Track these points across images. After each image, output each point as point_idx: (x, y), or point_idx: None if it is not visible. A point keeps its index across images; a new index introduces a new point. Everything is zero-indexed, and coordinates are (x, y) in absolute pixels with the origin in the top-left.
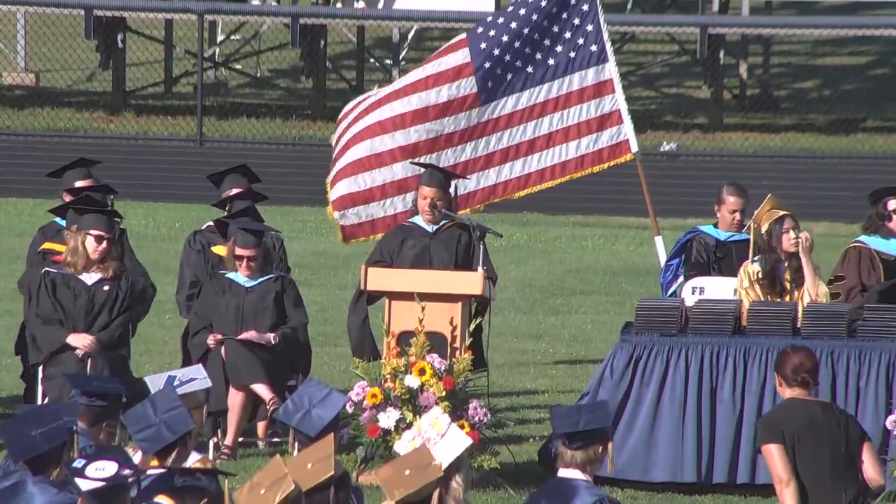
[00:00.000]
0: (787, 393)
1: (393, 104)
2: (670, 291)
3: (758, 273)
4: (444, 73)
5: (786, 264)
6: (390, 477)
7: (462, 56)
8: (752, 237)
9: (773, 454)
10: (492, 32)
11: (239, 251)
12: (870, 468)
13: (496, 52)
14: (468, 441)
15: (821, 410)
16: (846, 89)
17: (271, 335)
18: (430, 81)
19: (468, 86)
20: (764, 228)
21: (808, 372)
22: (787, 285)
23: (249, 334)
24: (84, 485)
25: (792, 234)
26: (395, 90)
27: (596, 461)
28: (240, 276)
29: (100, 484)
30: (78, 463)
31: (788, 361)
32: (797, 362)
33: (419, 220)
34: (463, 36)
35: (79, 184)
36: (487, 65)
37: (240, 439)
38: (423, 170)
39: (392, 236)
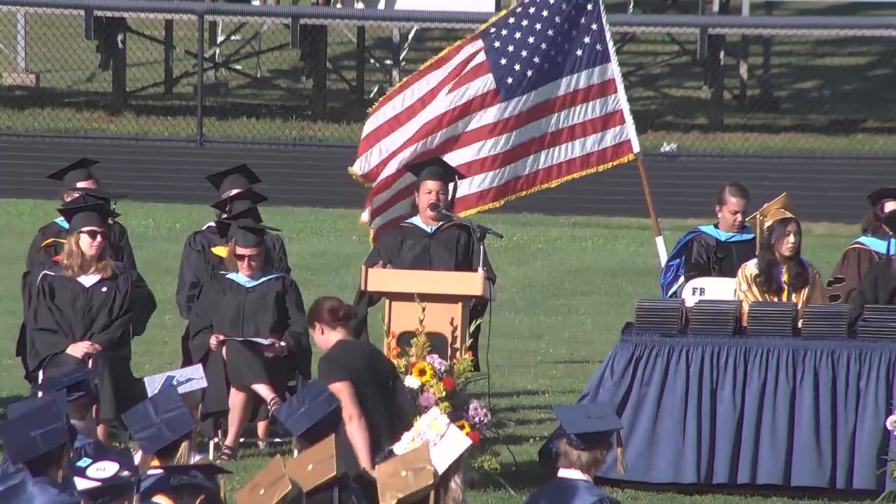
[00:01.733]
0: (331, 336)
1: (420, 115)
2: (671, 292)
3: (755, 274)
4: (463, 75)
5: (783, 266)
6: (387, 478)
7: (478, 56)
8: (757, 229)
9: (344, 391)
10: (504, 31)
11: (240, 250)
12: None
13: (511, 48)
14: (467, 442)
15: (369, 348)
16: (846, 90)
17: (284, 345)
18: (450, 85)
19: (486, 83)
20: (767, 224)
21: (345, 313)
22: (785, 286)
23: (266, 349)
24: (82, 484)
25: (792, 238)
26: (421, 99)
27: (600, 463)
28: (240, 277)
29: (97, 484)
30: (82, 462)
31: (323, 307)
32: (332, 305)
33: (418, 220)
34: (478, 44)
35: (80, 185)
36: (503, 61)
37: (240, 440)
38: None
39: (391, 237)
